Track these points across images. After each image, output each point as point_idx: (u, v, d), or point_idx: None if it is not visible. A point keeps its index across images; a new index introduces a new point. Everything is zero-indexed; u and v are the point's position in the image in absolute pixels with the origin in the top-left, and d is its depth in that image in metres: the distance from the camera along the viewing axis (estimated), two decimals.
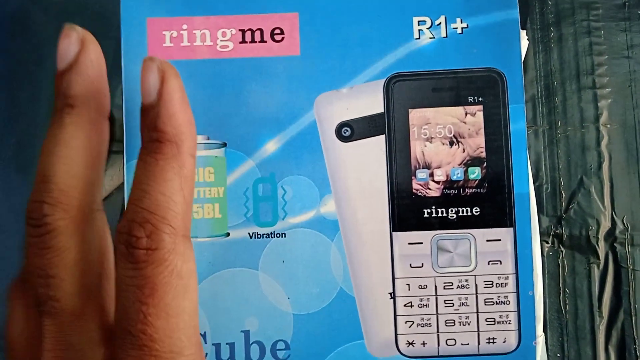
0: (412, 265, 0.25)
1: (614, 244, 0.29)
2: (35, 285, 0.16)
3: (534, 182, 0.29)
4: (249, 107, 0.25)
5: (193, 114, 0.25)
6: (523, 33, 0.25)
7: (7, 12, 0.32)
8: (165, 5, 0.25)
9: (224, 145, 0.25)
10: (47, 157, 0.16)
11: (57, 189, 0.16)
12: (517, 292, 0.24)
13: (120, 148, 0.25)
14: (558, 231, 0.29)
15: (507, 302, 0.24)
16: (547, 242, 0.29)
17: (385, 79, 0.25)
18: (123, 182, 0.25)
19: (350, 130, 0.25)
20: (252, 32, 0.25)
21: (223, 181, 0.25)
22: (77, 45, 0.18)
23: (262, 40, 0.25)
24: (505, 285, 0.24)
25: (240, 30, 0.25)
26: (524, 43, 0.26)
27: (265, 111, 0.25)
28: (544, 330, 0.28)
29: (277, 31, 0.25)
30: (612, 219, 0.29)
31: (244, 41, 0.25)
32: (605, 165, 0.29)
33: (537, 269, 0.26)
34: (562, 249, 0.29)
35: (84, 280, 0.16)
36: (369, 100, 0.25)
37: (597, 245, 0.29)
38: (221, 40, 0.25)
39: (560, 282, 0.29)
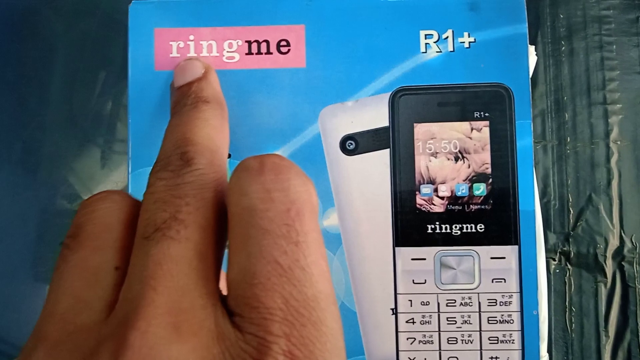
0: (415, 281, 0.24)
1: (622, 263, 0.28)
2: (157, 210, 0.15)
3: (542, 198, 0.28)
4: (254, 119, 0.25)
5: None
6: (532, 48, 0.25)
7: (17, 16, 0.33)
8: (173, 16, 0.25)
9: (229, 156, 0.25)
10: (185, 126, 0.18)
11: (199, 143, 0.17)
12: (521, 311, 0.24)
13: (123, 149, 0.25)
14: (565, 248, 0.28)
15: (511, 321, 0.24)
16: (554, 260, 0.28)
17: (390, 93, 0.25)
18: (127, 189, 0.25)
19: (355, 144, 0.25)
20: (259, 43, 0.25)
21: None
22: (202, 65, 0.23)
23: (268, 52, 0.25)
24: (509, 303, 0.24)
25: (246, 41, 0.25)
26: (533, 58, 0.26)
27: (270, 123, 0.25)
28: (549, 350, 0.28)
29: (283, 43, 0.25)
30: (621, 237, 0.28)
31: (250, 52, 0.25)
32: (614, 183, 0.29)
33: (542, 288, 0.25)
34: (569, 266, 0.28)
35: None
36: (374, 114, 0.25)
37: (605, 263, 0.28)
38: (227, 52, 0.25)
39: (567, 300, 0.28)
